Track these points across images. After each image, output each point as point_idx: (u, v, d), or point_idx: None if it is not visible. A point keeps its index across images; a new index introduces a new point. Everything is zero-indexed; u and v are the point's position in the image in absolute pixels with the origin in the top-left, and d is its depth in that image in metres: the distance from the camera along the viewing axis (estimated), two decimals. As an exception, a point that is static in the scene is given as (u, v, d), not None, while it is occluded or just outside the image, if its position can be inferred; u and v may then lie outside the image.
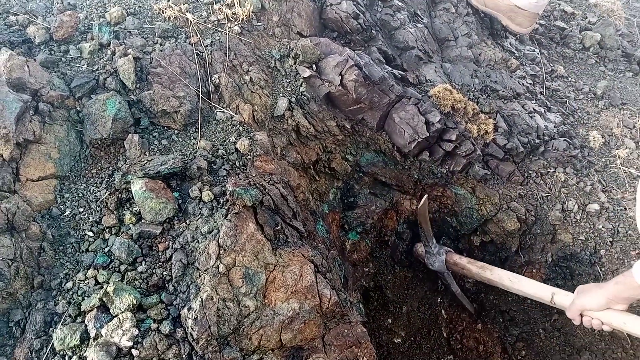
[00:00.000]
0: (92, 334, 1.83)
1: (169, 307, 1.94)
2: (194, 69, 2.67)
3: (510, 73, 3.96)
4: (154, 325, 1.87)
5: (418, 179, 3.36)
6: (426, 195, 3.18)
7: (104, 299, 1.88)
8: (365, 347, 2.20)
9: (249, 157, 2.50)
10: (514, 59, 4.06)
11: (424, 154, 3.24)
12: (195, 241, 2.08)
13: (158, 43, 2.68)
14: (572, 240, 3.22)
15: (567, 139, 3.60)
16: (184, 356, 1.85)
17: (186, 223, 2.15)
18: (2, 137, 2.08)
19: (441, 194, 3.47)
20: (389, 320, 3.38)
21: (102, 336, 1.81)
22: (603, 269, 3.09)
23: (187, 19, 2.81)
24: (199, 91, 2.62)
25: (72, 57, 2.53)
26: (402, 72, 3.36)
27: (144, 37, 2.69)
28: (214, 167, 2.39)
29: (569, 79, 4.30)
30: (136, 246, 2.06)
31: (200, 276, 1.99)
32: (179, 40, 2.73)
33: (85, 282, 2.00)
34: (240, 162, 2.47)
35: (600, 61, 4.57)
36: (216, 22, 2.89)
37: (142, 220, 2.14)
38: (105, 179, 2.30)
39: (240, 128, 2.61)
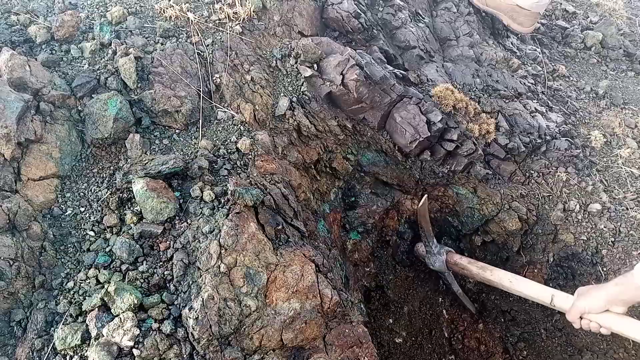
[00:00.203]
0: (93, 333, 1.83)
1: (170, 307, 1.94)
2: (195, 68, 2.67)
3: (512, 72, 3.95)
4: (155, 325, 1.87)
5: (419, 179, 3.36)
6: (426, 196, 3.18)
7: (105, 299, 1.88)
8: (367, 347, 2.20)
9: (250, 156, 2.50)
10: (515, 58, 4.06)
11: (425, 153, 3.24)
12: (197, 241, 2.08)
13: (159, 42, 2.68)
14: (574, 240, 3.21)
15: (569, 139, 3.59)
16: (185, 356, 1.85)
17: (187, 223, 2.15)
18: (3, 136, 2.08)
19: (442, 193, 3.47)
20: (390, 320, 3.38)
21: (103, 336, 1.81)
22: (605, 269, 3.08)
23: (188, 18, 2.81)
24: (200, 90, 2.62)
25: (73, 57, 2.53)
26: (403, 72, 3.35)
27: (145, 37, 2.69)
28: (215, 166, 2.39)
29: (571, 78, 4.30)
30: (137, 246, 2.06)
31: (201, 276, 1.98)
32: (180, 40, 2.73)
33: (87, 281, 2.00)
34: (242, 162, 2.47)
35: (602, 60, 4.57)
36: (217, 21, 2.89)
37: (143, 220, 2.13)
38: (107, 179, 2.30)
39: (242, 128, 2.60)
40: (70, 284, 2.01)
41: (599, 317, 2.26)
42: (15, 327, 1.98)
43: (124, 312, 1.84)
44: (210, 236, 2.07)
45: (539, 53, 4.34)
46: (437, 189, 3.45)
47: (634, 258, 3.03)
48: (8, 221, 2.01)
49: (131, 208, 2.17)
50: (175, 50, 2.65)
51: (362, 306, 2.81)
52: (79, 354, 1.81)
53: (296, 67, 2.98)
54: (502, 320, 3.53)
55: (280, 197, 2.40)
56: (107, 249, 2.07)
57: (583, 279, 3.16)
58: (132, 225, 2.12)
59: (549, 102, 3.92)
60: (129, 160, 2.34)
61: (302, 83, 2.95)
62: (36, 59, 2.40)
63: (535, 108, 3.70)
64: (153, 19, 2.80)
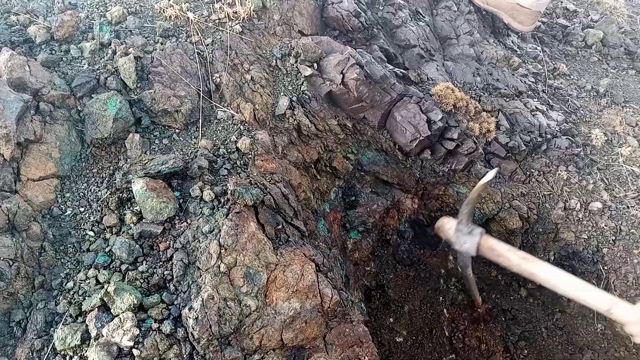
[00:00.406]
0: (93, 333, 1.83)
1: (170, 307, 1.94)
2: (195, 68, 2.67)
3: (512, 71, 3.95)
4: (155, 325, 1.87)
5: (420, 178, 3.35)
6: (495, 170, 2.73)
7: (105, 299, 1.88)
8: (367, 347, 2.19)
9: (250, 156, 2.50)
10: (516, 57, 4.05)
11: (425, 152, 3.24)
12: (196, 241, 2.08)
13: (159, 42, 2.68)
14: (575, 239, 3.21)
15: (570, 137, 3.58)
16: (185, 356, 1.85)
17: (187, 222, 2.14)
18: (3, 136, 2.08)
19: (443, 192, 3.46)
20: (391, 320, 3.37)
21: (103, 336, 1.81)
22: (606, 268, 3.08)
23: (188, 18, 2.80)
24: (200, 90, 2.62)
25: (73, 57, 2.52)
26: (403, 71, 3.35)
27: (145, 36, 2.68)
28: (215, 166, 2.39)
29: (572, 76, 4.29)
30: (137, 246, 2.06)
31: (201, 276, 1.98)
32: (180, 39, 2.72)
33: (86, 281, 2.00)
34: (242, 162, 2.46)
35: (602, 59, 4.56)
36: (217, 21, 2.89)
37: (143, 220, 2.13)
38: (106, 179, 2.30)
39: (242, 127, 2.60)
40: (70, 284, 2.01)
41: None
42: (15, 328, 1.98)
43: (123, 312, 1.84)
44: (210, 236, 2.07)
45: (540, 51, 4.33)
46: (437, 188, 3.45)
47: (635, 256, 3.02)
48: (8, 221, 2.01)
49: (131, 208, 2.17)
50: (175, 50, 2.65)
51: (362, 305, 2.81)
52: (79, 354, 1.81)
53: (296, 67, 2.98)
54: (503, 319, 3.52)
55: (280, 197, 2.40)
56: (107, 249, 2.07)
57: (584, 278, 3.14)
58: (131, 225, 2.12)
59: (550, 100, 3.91)
60: (128, 160, 2.33)
61: (302, 82, 2.94)
62: (36, 59, 2.40)
63: (535, 106, 3.69)
64: (153, 19, 2.80)
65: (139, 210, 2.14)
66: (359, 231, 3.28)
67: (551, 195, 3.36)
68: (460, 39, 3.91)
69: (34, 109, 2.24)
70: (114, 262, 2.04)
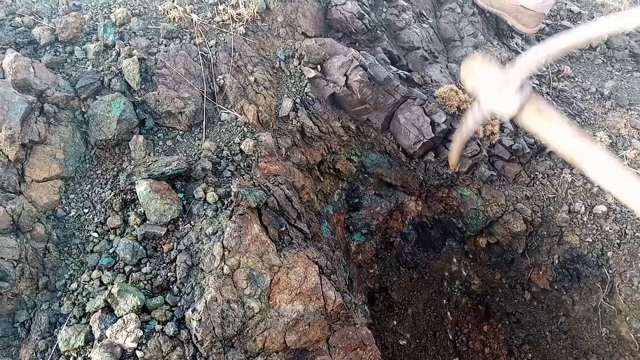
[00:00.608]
0: (97, 335, 1.83)
1: (173, 309, 1.93)
2: (199, 69, 2.67)
3: (517, 73, 3.93)
4: (158, 327, 1.86)
5: (423, 180, 3.35)
6: None
7: (109, 300, 1.88)
8: (370, 349, 2.19)
9: (253, 158, 2.50)
10: (520, 59, 4.04)
11: (429, 154, 3.23)
12: (200, 242, 2.07)
13: (163, 44, 2.68)
14: (579, 242, 3.19)
15: (574, 140, 3.56)
16: (188, 358, 1.84)
17: (191, 224, 2.14)
18: (7, 138, 2.08)
19: (447, 195, 3.45)
20: (394, 322, 3.37)
21: (106, 337, 1.81)
22: (610, 271, 3.06)
23: (191, 19, 2.81)
24: (203, 92, 2.62)
25: (77, 58, 2.53)
26: (407, 73, 3.35)
27: (149, 38, 2.69)
28: (219, 168, 2.39)
29: (576, 79, 4.28)
30: (141, 247, 2.06)
31: (204, 277, 1.98)
32: (183, 41, 2.73)
33: (90, 283, 1.99)
34: (245, 163, 2.46)
35: (607, 61, 4.54)
36: (221, 22, 2.89)
37: (147, 222, 2.13)
38: (110, 180, 2.30)
39: (245, 129, 2.60)
40: (74, 286, 2.01)
41: None
42: (19, 328, 1.98)
43: (127, 313, 1.84)
44: (213, 238, 2.07)
45: (544, 54, 4.32)
46: (441, 191, 3.44)
47: (639, 260, 3.01)
48: (12, 222, 2.02)
49: (135, 209, 2.17)
50: (178, 52, 2.65)
51: (365, 308, 2.81)
52: (83, 356, 1.81)
53: (300, 68, 2.97)
54: (507, 322, 3.51)
55: (283, 199, 2.39)
56: (111, 251, 2.07)
57: (588, 281, 3.13)
58: (135, 226, 2.12)
59: (554, 102, 3.90)
60: (132, 161, 2.34)
61: (306, 84, 2.94)
62: (40, 61, 2.41)
63: (540, 109, 3.68)
64: (157, 21, 2.80)
65: (142, 211, 2.14)
66: (362, 233, 3.28)
67: (555, 198, 3.35)
68: (464, 40, 3.90)
69: (38, 110, 2.25)
70: (117, 264, 2.04)
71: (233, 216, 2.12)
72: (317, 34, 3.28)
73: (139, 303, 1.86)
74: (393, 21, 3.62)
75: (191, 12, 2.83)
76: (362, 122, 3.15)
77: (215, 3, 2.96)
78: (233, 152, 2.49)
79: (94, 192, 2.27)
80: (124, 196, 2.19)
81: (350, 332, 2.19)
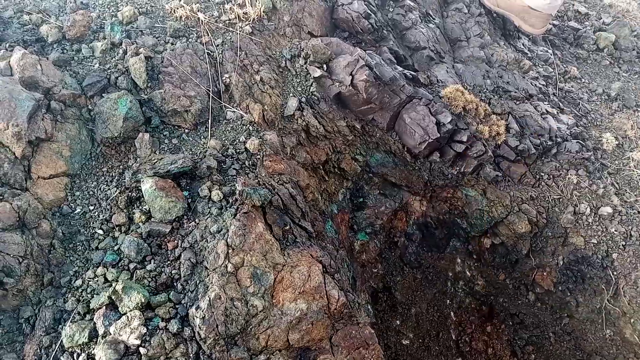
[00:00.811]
0: (101, 331, 1.84)
1: (177, 306, 1.94)
2: (205, 68, 2.68)
3: (523, 74, 3.92)
4: (162, 324, 1.87)
5: (428, 180, 3.34)
6: None
7: (113, 297, 1.89)
8: (373, 349, 2.19)
9: (258, 156, 2.50)
10: (526, 59, 4.02)
11: (434, 154, 3.22)
12: (204, 240, 2.08)
13: (169, 42, 2.69)
14: (584, 244, 3.18)
15: (580, 141, 3.56)
16: (191, 355, 1.85)
17: (195, 222, 2.15)
18: (14, 135, 2.10)
19: (451, 195, 3.45)
20: (398, 322, 3.37)
21: (110, 334, 1.82)
22: (615, 273, 3.05)
23: (198, 18, 2.81)
24: (209, 90, 2.63)
25: (84, 56, 2.55)
26: (413, 73, 3.34)
27: (156, 37, 2.70)
28: (224, 166, 2.39)
29: (583, 80, 4.26)
30: (145, 244, 2.07)
31: (208, 275, 1.99)
32: (190, 40, 2.74)
33: (95, 280, 2.01)
34: (250, 162, 2.47)
35: (614, 62, 4.52)
36: (227, 21, 2.90)
37: (152, 219, 2.14)
38: (116, 177, 2.31)
39: (250, 128, 2.61)
40: (79, 282, 2.03)
41: None
42: (23, 324, 2.00)
43: (131, 310, 1.85)
44: (217, 236, 2.07)
45: (551, 54, 4.31)
46: (446, 191, 3.43)
47: (645, 262, 3.00)
48: (18, 219, 2.03)
49: (140, 207, 2.18)
50: (185, 50, 2.66)
51: (369, 307, 2.81)
52: (86, 352, 1.82)
53: (305, 68, 2.98)
54: (511, 323, 3.50)
55: (288, 198, 2.40)
56: (116, 248, 2.09)
57: (593, 283, 3.12)
58: (140, 224, 2.13)
59: (560, 103, 3.89)
60: (138, 159, 2.35)
61: (312, 83, 2.94)
62: (47, 58, 2.42)
63: (546, 110, 3.67)
64: (163, 19, 2.81)
65: (147, 209, 2.15)
66: (366, 233, 3.28)
67: (561, 199, 3.34)
68: (471, 41, 3.89)
69: (45, 107, 2.26)
70: (122, 261, 2.05)
71: (237, 214, 2.13)
72: (323, 34, 3.28)
73: (143, 300, 1.87)
74: (399, 21, 3.61)
75: (198, 10, 2.84)
76: (367, 121, 3.15)
77: (222, 2, 2.97)
78: (238, 150, 2.50)
79: (100, 189, 2.28)
80: (129, 194, 2.20)
81: (354, 332, 2.19)
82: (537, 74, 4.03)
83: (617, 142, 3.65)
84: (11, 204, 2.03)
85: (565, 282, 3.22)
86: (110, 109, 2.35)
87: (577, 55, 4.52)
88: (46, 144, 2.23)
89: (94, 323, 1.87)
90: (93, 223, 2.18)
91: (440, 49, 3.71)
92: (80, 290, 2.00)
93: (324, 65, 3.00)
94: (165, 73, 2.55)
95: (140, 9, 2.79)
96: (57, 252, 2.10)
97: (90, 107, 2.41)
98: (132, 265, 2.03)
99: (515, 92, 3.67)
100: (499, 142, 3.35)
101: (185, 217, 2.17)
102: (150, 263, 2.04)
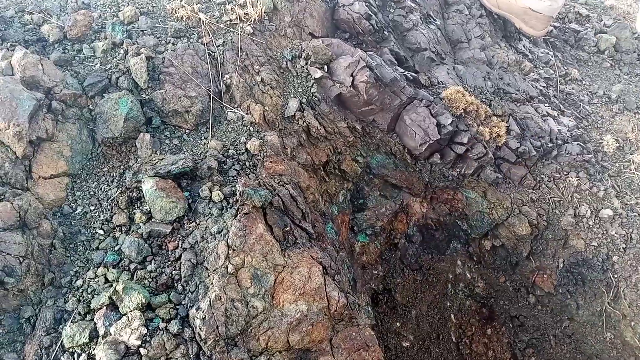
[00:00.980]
0: (101, 332, 1.84)
1: (177, 307, 1.94)
2: (206, 68, 2.68)
3: (524, 76, 3.92)
4: (162, 325, 1.87)
5: (429, 182, 3.34)
6: None
7: (114, 298, 1.89)
8: (373, 351, 2.19)
9: (259, 157, 2.50)
10: (527, 61, 4.03)
11: (435, 156, 3.22)
12: (205, 241, 2.08)
13: (170, 42, 2.69)
14: (584, 246, 3.18)
15: (581, 143, 3.56)
16: (191, 356, 1.85)
17: (196, 223, 2.15)
18: (15, 134, 2.09)
19: (452, 197, 3.45)
20: (398, 324, 3.36)
21: (111, 334, 1.81)
22: (616, 276, 3.05)
23: (199, 18, 2.82)
24: (210, 91, 2.62)
25: (85, 56, 2.54)
26: (413, 74, 3.34)
27: (157, 37, 2.70)
28: (225, 167, 2.39)
29: (583, 82, 4.26)
30: (146, 245, 2.07)
31: (209, 276, 1.99)
32: (191, 40, 2.74)
33: (95, 280, 2.01)
34: (251, 163, 2.47)
35: (615, 64, 4.52)
36: (228, 22, 2.90)
37: (152, 219, 2.14)
38: (117, 178, 2.31)
39: (251, 128, 2.61)
40: (79, 282, 2.02)
41: None
42: (24, 324, 1.99)
43: (131, 311, 1.85)
44: (218, 236, 2.07)
45: (552, 56, 4.31)
46: (446, 192, 3.43)
47: (645, 265, 2.99)
48: (19, 218, 2.03)
49: (140, 207, 2.18)
50: (186, 51, 2.66)
51: (369, 309, 2.81)
52: (87, 352, 1.82)
53: (306, 69, 2.98)
54: (511, 325, 3.50)
55: (288, 198, 2.40)
56: (116, 248, 2.08)
57: (593, 286, 3.12)
58: (141, 224, 2.13)
59: (561, 105, 3.89)
60: (139, 159, 2.35)
61: (312, 84, 2.94)
62: (49, 58, 2.42)
63: (546, 112, 3.67)
64: (165, 19, 2.81)
65: (148, 209, 2.15)
66: (367, 234, 3.28)
67: (561, 202, 3.34)
68: (472, 42, 3.89)
69: (46, 107, 2.26)
70: (123, 261, 2.04)
71: (238, 215, 2.13)
72: (324, 35, 3.28)
73: (143, 301, 1.87)
74: (400, 22, 3.61)
75: (199, 11, 2.84)
76: (368, 122, 3.15)
77: (223, 2, 2.97)
78: (239, 151, 2.49)
79: (101, 189, 2.28)
80: (130, 194, 2.20)
81: (354, 333, 2.19)
82: (538, 75, 4.03)
83: (617, 145, 3.65)
84: (12, 203, 2.02)
85: (566, 284, 3.22)
86: (111, 109, 2.35)
87: (577, 57, 4.52)
88: (47, 143, 2.23)
89: (95, 323, 1.87)
90: (94, 223, 2.18)
91: (441, 50, 3.71)
92: (80, 290, 2.00)
93: (325, 66, 3.00)
94: (166, 73, 2.55)
95: (141, 9, 2.79)
96: (57, 252, 2.10)
97: (91, 107, 2.41)
98: (132, 266, 2.03)
99: (516, 93, 3.68)
100: (500, 144, 3.35)
101: (185, 217, 2.17)
102: (150, 263, 2.04)
